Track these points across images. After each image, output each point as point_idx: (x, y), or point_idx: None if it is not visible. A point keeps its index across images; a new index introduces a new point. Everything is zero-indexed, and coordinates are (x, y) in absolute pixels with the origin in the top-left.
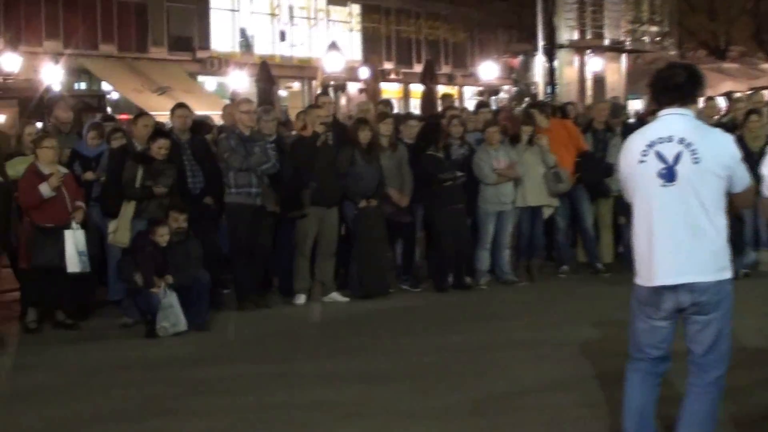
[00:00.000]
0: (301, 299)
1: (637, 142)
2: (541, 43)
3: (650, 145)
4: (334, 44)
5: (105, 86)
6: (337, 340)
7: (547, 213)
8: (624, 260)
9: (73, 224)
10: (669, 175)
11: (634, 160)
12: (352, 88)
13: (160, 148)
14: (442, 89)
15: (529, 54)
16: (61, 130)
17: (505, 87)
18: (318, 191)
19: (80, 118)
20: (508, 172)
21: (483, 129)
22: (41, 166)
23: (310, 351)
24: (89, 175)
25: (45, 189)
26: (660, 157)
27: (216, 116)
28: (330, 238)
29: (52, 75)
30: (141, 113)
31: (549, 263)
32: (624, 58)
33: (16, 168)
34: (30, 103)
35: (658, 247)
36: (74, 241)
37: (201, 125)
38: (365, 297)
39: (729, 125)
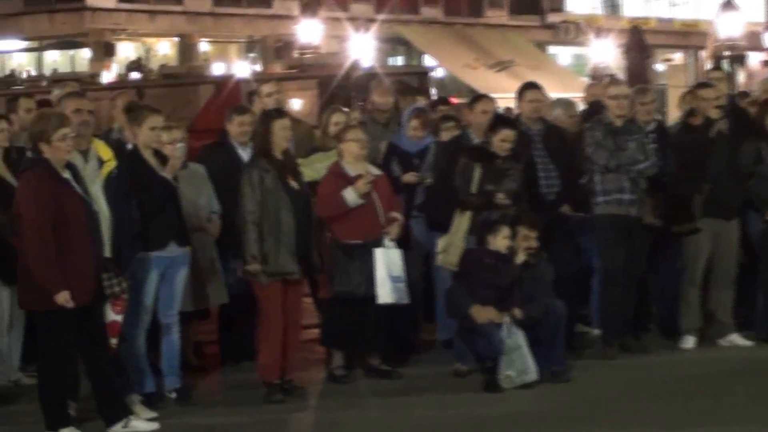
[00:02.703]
0: (689, 342)
1: None
2: None
3: None
4: (730, 2)
5: (428, 61)
6: (739, 396)
7: None
8: None
9: (387, 241)
10: None
11: None
12: (754, 59)
13: (503, 141)
14: None
15: None
16: (377, 119)
17: None
18: (713, 198)
19: (398, 103)
20: None
21: None
22: (346, 165)
23: (704, 412)
24: (410, 177)
25: (350, 195)
26: None
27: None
28: (729, 260)
29: (361, 47)
30: (478, 96)
31: None
32: None
33: (315, 167)
34: (332, 83)
35: None
36: (387, 262)
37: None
38: None
39: None
